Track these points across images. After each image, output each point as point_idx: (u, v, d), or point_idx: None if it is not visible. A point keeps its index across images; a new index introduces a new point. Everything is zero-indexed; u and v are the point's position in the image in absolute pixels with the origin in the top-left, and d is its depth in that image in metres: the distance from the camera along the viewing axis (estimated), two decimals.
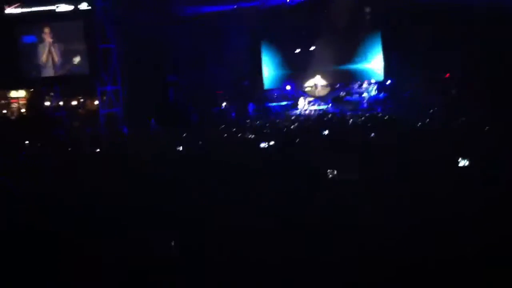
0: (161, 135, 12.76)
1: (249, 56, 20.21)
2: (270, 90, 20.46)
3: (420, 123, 10.29)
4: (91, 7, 16.72)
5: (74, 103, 19.51)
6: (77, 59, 17.28)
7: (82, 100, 19.68)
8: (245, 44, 19.43)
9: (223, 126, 13.46)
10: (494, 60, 15.95)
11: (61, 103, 18.25)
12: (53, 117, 17.43)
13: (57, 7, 16.83)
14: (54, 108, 18.05)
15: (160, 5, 18.01)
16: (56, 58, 17.28)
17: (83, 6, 16.76)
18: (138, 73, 17.32)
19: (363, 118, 13.49)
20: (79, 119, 18.46)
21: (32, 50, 17.47)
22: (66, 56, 17.31)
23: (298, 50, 19.96)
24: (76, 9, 16.78)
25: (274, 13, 19.35)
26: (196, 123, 17.39)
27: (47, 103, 18.66)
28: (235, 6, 19.08)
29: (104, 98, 17.16)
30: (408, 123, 10.58)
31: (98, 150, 8.79)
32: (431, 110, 14.20)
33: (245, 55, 19.95)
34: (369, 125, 10.75)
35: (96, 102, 17.86)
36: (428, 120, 11.03)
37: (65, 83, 17.67)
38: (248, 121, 16.31)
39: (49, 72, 17.43)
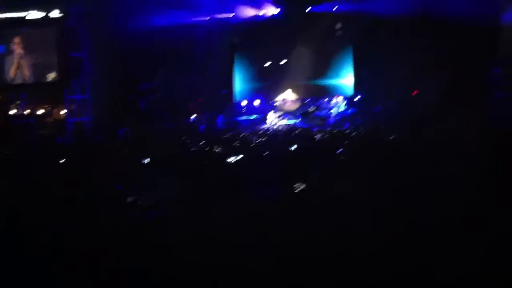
0: (129, 145, 12.66)
1: (222, 68, 20.31)
2: (240, 104, 20.55)
3: (389, 137, 10.48)
4: (63, 14, 16.57)
5: (42, 111, 19.23)
6: (51, 75, 17.01)
7: (49, 108, 19.42)
8: (219, 55, 19.51)
9: (185, 138, 13.47)
10: (463, 77, 16.46)
11: (28, 110, 17.98)
12: (19, 124, 17.19)
13: (27, 14, 16.62)
14: (21, 115, 17.77)
15: (133, 13, 17.99)
16: (27, 73, 16.95)
17: (55, 13, 16.59)
18: (109, 82, 17.24)
19: (331, 133, 13.68)
20: (47, 127, 18.21)
21: None
22: (37, 70, 16.99)
23: (268, 64, 20.15)
24: (47, 17, 16.61)
25: (248, 26, 19.49)
26: (166, 132, 17.35)
27: (14, 111, 18.31)
28: (209, 17, 19.18)
29: (72, 106, 16.98)
30: (376, 137, 10.77)
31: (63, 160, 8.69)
32: (400, 126, 14.49)
33: (218, 66, 20.04)
34: (339, 141, 10.89)
35: (64, 111, 17.64)
36: (395, 135, 11.24)
37: (33, 91, 17.44)
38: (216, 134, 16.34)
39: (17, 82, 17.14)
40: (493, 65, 16.14)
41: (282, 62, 20.00)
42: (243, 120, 19.83)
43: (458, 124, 12.44)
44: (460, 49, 16.15)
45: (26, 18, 16.68)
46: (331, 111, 19.46)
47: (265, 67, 20.23)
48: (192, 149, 10.88)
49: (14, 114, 18.08)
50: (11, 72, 16.88)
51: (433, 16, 15.64)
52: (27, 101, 17.90)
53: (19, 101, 18.09)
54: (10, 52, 16.92)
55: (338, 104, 19.60)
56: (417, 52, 17.35)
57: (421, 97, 18.31)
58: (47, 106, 19.23)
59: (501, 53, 15.87)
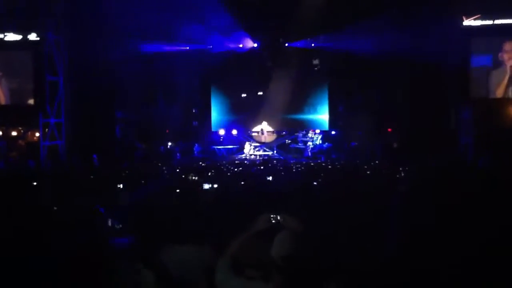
0: (102, 171, 12.48)
1: (198, 97, 20.38)
2: (216, 133, 20.55)
3: (364, 172, 10.58)
4: (40, 38, 16.46)
5: (15, 133, 18.86)
6: (27, 98, 16.81)
7: (22, 131, 19.07)
8: (195, 85, 19.59)
9: (161, 165, 13.39)
10: (438, 115, 16.85)
11: (0, 133, 17.65)
12: None
13: (5, 36, 16.46)
14: None
15: (112, 41, 17.98)
16: (1, 95, 16.70)
17: (32, 36, 16.47)
18: (85, 107, 17.09)
19: (307, 165, 13.74)
20: (19, 150, 17.86)
21: None
22: (13, 92, 16.74)
23: (244, 95, 20.29)
24: (25, 39, 16.47)
25: (225, 57, 19.65)
26: (140, 160, 17.21)
27: None
28: (187, 47, 19.29)
29: (46, 130, 16.73)
30: (351, 171, 10.86)
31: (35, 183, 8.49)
32: (375, 161, 14.67)
33: (195, 96, 20.11)
34: (315, 173, 10.94)
35: (37, 134, 17.35)
36: (370, 170, 11.36)
37: (6, 113, 17.16)
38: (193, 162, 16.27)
39: None
40: (462, 109, 16.58)
41: (259, 95, 20.17)
42: (219, 149, 19.81)
43: (428, 162, 12.70)
44: (431, 90, 16.58)
45: (3, 40, 16.48)
46: (307, 144, 19.59)
47: (242, 98, 20.36)
48: (167, 176, 10.79)
49: None
50: None
51: (407, 56, 16.03)
52: (0, 122, 17.57)
53: None
54: None
55: (314, 138, 19.75)
56: (391, 90, 17.74)
57: (394, 133, 18.64)
58: (20, 128, 18.89)
59: (471, 96, 16.34)
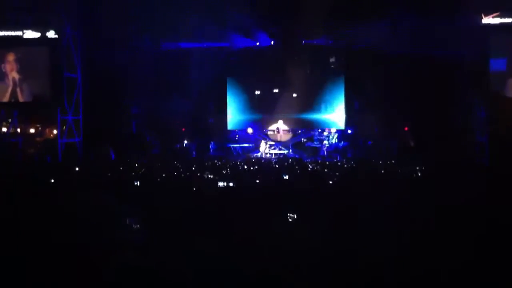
0: (119, 167, 12.58)
1: (214, 95, 20.41)
2: (232, 131, 20.58)
3: (380, 171, 10.52)
4: (58, 35, 16.61)
5: (33, 130, 19.09)
6: (45, 95, 16.89)
7: (40, 128, 19.30)
8: (212, 82, 19.62)
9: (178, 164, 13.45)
10: (455, 113, 16.69)
11: (18, 129, 17.85)
12: (8, 143, 17.05)
13: (24, 33, 16.64)
14: (11, 134, 17.62)
15: (128, 37, 18.11)
16: (20, 91, 16.81)
17: (51, 34, 16.63)
18: (101, 104, 17.25)
19: (323, 164, 13.70)
20: (36, 146, 18.07)
21: None
22: (31, 89, 16.82)
23: (260, 93, 20.28)
24: (43, 37, 16.63)
25: (242, 55, 19.71)
26: (156, 157, 17.32)
27: (4, 129, 18.15)
28: (205, 45, 19.35)
29: (64, 127, 16.89)
30: (367, 170, 10.78)
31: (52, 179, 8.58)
32: (391, 160, 14.58)
33: (211, 93, 20.15)
34: (330, 172, 10.90)
35: (55, 131, 17.53)
36: (385, 169, 11.29)
37: (25, 110, 17.36)
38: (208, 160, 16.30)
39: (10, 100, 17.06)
40: (477, 106, 16.39)
41: (274, 92, 20.16)
42: (235, 147, 19.83)
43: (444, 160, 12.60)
44: (448, 88, 16.43)
45: (23, 37, 16.64)
46: (323, 142, 19.53)
47: (258, 97, 20.34)
48: (183, 174, 10.83)
49: (4, 132, 17.90)
50: (5, 90, 16.77)
51: (424, 53, 15.91)
52: (18, 119, 17.76)
53: (10, 119, 17.94)
54: (4, 70, 16.83)
55: (330, 136, 19.68)
56: (407, 88, 17.60)
57: (410, 132, 18.51)
58: (38, 125, 19.11)
59: (486, 95, 16.13)
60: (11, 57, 16.82)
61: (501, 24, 15.83)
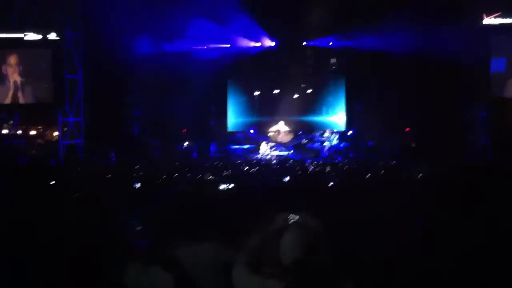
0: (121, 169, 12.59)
1: (215, 96, 20.43)
2: (233, 133, 20.60)
3: (381, 172, 10.51)
4: (60, 37, 16.65)
5: (34, 132, 19.12)
6: (46, 97, 16.91)
7: (41, 129, 19.33)
8: (213, 84, 19.64)
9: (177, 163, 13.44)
10: (455, 114, 16.70)
11: (19, 131, 17.88)
12: (9, 145, 17.08)
13: (25, 35, 16.67)
14: (12, 135, 17.65)
15: (129, 39, 18.16)
16: (21, 93, 16.84)
17: (52, 36, 16.66)
18: (103, 106, 17.27)
19: (323, 165, 13.68)
20: (38, 148, 18.09)
21: None
22: (32, 91, 16.88)
23: (261, 94, 20.30)
24: (45, 39, 16.66)
25: (243, 56, 19.73)
26: (158, 159, 17.32)
27: (5, 131, 18.19)
28: (205, 46, 19.38)
29: (65, 129, 16.92)
30: (369, 172, 10.77)
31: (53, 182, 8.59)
32: (392, 161, 14.57)
33: (212, 95, 20.17)
34: (332, 173, 10.89)
35: (56, 133, 17.56)
36: (385, 170, 11.27)
37: (26, 111, 17.40)
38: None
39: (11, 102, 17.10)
40: (480, 108, 16.40)
41: (275, 93, 20.17)
42: (236, 149, 19.83)
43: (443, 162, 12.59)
44: (449, 89, 16.44)
45: (24, 39, 16.68)
46: (324, 144, 19.51)
47: (259, 97, 20.36)
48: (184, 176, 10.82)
49: (6, 134, 17.94)
50: (6, 93, 16.80)
51: (426, 54, 15.91)
52: (20, 121, 17.80)
53: (12, 121, 17.98)
54: (5, 72, 16.87)
55: (331, 138, 19.67)
56: (408, 89, 17.60)
57: (411, 133, 18.51)
58: (39, 127, 19.14)
59: (489, 96, 16.14)
60: (13, 60, 16.86)
61: (502, 24, 15.83)
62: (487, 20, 15.88)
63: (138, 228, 4.76)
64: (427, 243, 3.90)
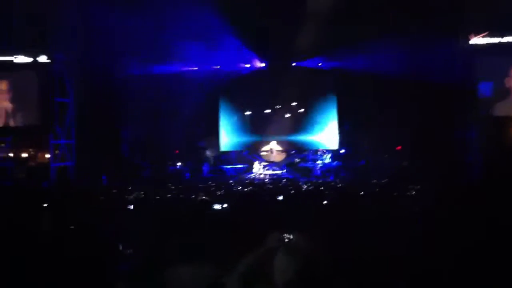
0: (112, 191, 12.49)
1: (206, 117, 20.42)
2: (225, 153, 20.58)
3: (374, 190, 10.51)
4: (50, 60, 16.64)
5: (25, 155, 18.96)
6: (36, 119, 16.83)
7: (32, 152, 19.19)
8: (203, 105, 19.63)
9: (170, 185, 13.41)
10: (446, 133, 16.79)
11: (10, 154, 17.75)
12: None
13: (14, 58, 16.64)
14: (3, 158, 17.52)
15: (120, 61, 18.20)
16: (12, 116, 16.81)
17: (42, 59, 16.64)
18: (93, 128, 17.20)
19: (317, 184, 13.69)
20: (28, 171, 17.94)
21: None
22: (22, 114, 16.84)
23: (252, 114, 20.34)
24: (35, 61, 16.64)
25: (233, 77, 19.83)
26: (148, 180, 17.24)
27: None
28: (196, 68, 19.46)
29: (57, 151, 16.82)
30: (361, 190, 10.77)
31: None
32: (385, 180, 14.58)
33: (203, 115, 20.16)
34: (325, 192, 10.88)
35: (48, 155, 17.45)
36: (379, 188, 11.28)
37: (18, 134, 17.31)
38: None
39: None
40: (468, 127, 16.51)
41: (266, 113, 20.22)
42: (228, 168, 19.79)
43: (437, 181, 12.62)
44: (438, 108, 16.56)
45: (14, 62, 16.64)
46: (317, 162, 19.56)
47: (251, 118, 20.40)
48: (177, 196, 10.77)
49: None
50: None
51: (413, 74, 16.05)
52: (11, 144, 17.69)
53: (3, 144, 17.85)
54: None
55: (323, 157, 19.73)
56: (399, 108, 17.69)
57: (403, 151, 18.57)
58: (30, 150, 19.00)
59: (477, 116, 16.25)
60: (3, 86, 16.81)
61: (488, 44, 15.93)
62: (474, 40, 15.99)
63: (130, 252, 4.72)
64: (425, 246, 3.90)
